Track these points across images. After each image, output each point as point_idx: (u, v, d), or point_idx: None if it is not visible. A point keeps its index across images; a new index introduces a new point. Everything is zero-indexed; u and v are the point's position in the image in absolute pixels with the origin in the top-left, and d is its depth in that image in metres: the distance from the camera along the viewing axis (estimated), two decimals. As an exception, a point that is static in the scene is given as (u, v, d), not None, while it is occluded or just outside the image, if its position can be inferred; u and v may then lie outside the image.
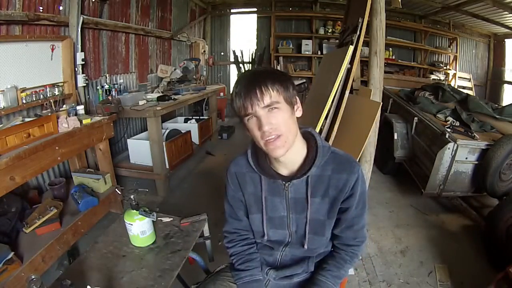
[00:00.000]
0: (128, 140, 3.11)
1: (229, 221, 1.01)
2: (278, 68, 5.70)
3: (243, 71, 5.92)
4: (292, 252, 0.97)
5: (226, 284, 0.99)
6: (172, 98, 3.16)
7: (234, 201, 0.97)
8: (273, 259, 1.00)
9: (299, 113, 0.82)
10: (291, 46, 5.78)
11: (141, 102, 2.92)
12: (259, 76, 0.77)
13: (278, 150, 0.77)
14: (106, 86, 2.87)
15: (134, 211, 1.05)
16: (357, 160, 1.91)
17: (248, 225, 0.99)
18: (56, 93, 2.29)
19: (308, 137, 0.88)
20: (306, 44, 5.74)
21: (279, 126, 0.76)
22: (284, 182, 0.87)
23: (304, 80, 5.09)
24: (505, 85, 5.94)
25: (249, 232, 1.01)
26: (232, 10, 6.07)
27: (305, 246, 0.92)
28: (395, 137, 3.01)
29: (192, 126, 3.69)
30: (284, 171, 0.87)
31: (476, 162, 2.37)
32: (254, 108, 0.74)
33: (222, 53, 6.26)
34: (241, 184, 0.93)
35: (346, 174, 0.84)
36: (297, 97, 0.82)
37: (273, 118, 0.75)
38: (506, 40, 5.82)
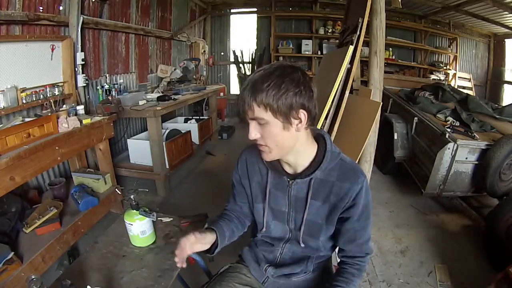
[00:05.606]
0: (128, 140, 3.11)
1: (230, 201, 1.07)
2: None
3: (243, 71, 5.93)
4: (292, 249, 0.97)
5: (231, 285, 0.99)
6: (172, 98, 3.16)
7: (238, 186, 1.01)
8: (273, 256, 1.00)
9: (301, 127, 0.76)
10: (291, 46, 5.77)
11: (141, 102, 2.92)
12: (253, 86, 0.73)
13: (265, 155, 0.82)
14: (106, 86, 2.87)
15: (134, 211, 1.05)
16: (357, 160, 1.92)
17: (241, 212, 1.04)
18: (56, 93, 2.29)
19: (319, 140, 0.87)
20: (306, 44, 5.74)
21: (264, 139, 0.77)
22: (288, 179, 0.88)
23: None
24: (505, 85, 5.94)
25: (242, 217, 1.05)
26: (232, 10, 6.07)
27: (302, 244, 0.93)
28: (395, 137, 3.01)
29: (192, 126, 3.69)
30: (289, 169, 0.89)
31: (476, 162, 2.37)
32: (246, 117, 0.77)
33: (222, 53, 6.26)
34: (249, 172, 0.96)
35: (349, 184, 0.83)
36: (302, 111, 0.74)
37: (261, 129, 0.77)
38: (506, 40, 5.81)
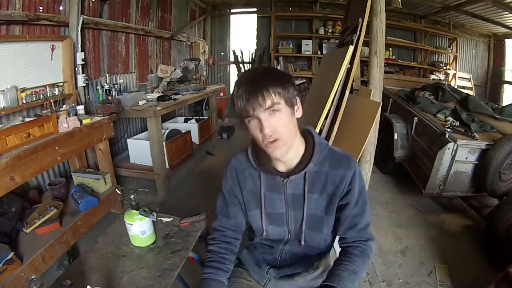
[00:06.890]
0: (128, 140, 3.11)
1: (218, 218, 1.01)
2: (278, 68, 5.69)
3: (243, 71, 5.93)
4: (292, 250, 0.97)
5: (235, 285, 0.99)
6: (172, 98, 3.16)
7: (230, 196, 0.97)
8: (273, 258, 1.00)
9: (299, 113, 0.83)
10: (291, 46, 5.77)
11: (141, 102, 2.92)
12: (260, 78, 0.77)
13: (278, 151, 0.80)
14: (106, 86, 2.87)
15: (134, 211, 1.05)
16: (357, 160, 1.92)
17: (235, 224, 0.99)
18: (56, 93, 2.29)
19: (306, 135, 0.89)
20: (306, 44, 5.74)
21: (279, 128, 0.77)
22: (282, 179, 0.88)
23: (304, 80, 5.09)
24: (505, 85, 5.94)
25: (235, 232, 1.00)
26: (232, 10, 6.07)
27: (302, 242, 0.92)
28: (395, 137, 3.01)
29: (192, 126, 3.69)
30: (282, 167, 0.89)
31: (476, 162, 2.37)
32: (256, 112, 0.75)
33: (222, 53, 6.26)
34: (240, 179, 0.94)
35: (343, 170, 0.85)
36: (297, 98, 0.82)
37: (273, 121, 0.76)
38: (506, 40, 5.81)
